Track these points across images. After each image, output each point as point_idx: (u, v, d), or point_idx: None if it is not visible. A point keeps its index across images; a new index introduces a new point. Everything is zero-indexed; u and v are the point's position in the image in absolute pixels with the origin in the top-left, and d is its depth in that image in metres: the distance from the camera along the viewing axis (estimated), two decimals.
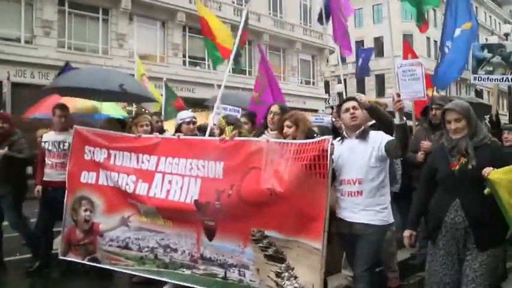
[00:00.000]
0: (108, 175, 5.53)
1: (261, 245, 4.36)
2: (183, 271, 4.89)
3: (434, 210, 3.98)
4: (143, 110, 12.48)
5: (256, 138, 4.96)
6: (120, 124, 7.07)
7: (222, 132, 5.78)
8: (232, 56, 7.30)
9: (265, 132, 5.54)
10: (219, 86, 7.64)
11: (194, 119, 6.10)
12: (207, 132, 6.36)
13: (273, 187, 4.21)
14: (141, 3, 23.62)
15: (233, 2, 28.73)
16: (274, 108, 5.54)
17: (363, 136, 4.24)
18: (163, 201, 5.02)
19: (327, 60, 38.14)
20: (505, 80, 7.09)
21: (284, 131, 4.82)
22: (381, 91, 44.57)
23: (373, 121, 5.01)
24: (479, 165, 3.63)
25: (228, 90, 12.94)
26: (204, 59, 27.34)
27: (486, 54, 7.12)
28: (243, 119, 6.50)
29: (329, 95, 38.61)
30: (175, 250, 4.97)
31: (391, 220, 4.25)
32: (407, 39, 43.33)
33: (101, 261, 5.52)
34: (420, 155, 5.88)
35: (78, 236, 5.70)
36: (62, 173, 6.01)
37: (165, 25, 26.56)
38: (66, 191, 5.79)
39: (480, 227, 3.68)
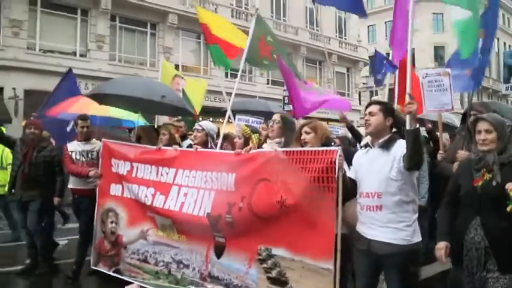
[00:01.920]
0: (130, 187, 5.47)
1: (265, 265, 4.11)
2: None
3: (456, 229, 3.57)
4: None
5: (266, 149, 4.64)
6: (155, 132, 6.98)
7: (247, 140, 5.60)
8: (244, 56, 6.71)
9: (266, 141, 5.18)
10: (228, 94, 7.43)
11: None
12: (219, 143, 6.04)
13: (283, 199, 3.95)
14: (187, 18, 23.62)
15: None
16: (276, 116, 5.08)
17: (387, 145, 3.67)
18: (178, 214, 4.89)
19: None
20: None
21: (302, 137, 4.41)
22: None
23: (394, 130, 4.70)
24: (503, 183, 3.16)
25: (245, 99, 12.80)
26: (244, 71, 27.49)
27: None
28: (262, 126, 6.15)
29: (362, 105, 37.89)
30: (187, 266, 4.83)
31: (416, 239, 3.59)
32: (439, 51, 42.38)
33: (122, 273, 5.48)
34: (456, 166, 4.84)
35: (106, 247, 5.72)
36: (92, 181, 6.01)
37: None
38: (97, 203, 5.80)
39: (500, 248, 3.28)
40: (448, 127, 7.42)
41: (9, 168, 7.79)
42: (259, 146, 5.23)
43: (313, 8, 32.58)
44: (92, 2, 21.63)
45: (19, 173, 6.34)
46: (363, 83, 39.47)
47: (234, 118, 7.72)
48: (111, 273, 5.62)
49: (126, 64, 22.66)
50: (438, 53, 42.91)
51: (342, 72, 35.19)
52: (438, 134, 6.25)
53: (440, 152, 5.67)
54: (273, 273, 4.04)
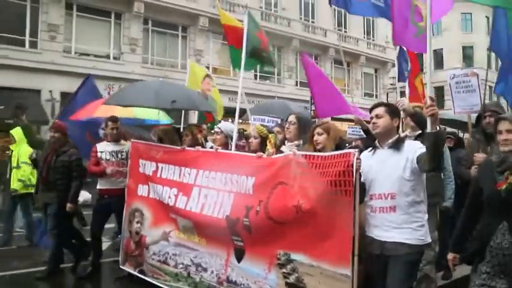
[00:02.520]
0: (155, 188, 5.41)
1: (284, 270, 3.95)
2: None
3: (478, 234, 3.35)
4: None
5: (285, 153, 4.43)
6: (177, 133, 6.90)
7: (263, 140, 5.41)
8: (243, 57, 6.38)
9: (285, 143, 4.97)
10: (250, 95, 7.29)
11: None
12: (233, 143, 5.80)
13: (299, 204, 3.79)
14: (217, 21, 23.57)
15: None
16: (291, 117, 4.88)
17: (397, 146, 3.59)
18: (198, 216, 4.79)
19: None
20: None
21: (314, 138, 4.33)
22: (440, 103, 42.72)
23: (419, 131, 4.48)
24: None
25: (267, 101, 12.60)
26: (273, 73, 27.39)
27: None
28: (276, 129, 5.96)
29: None
30: (206, 270, 4.72)
31: (429, 239, 3.57)
32: (467, 51, 41.38)
33: (146, 274, 5.42)
34: (474, 170, 4.74)
35: (132, 247, 5.67)
36: (122, 181, 6.04)
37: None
38: (125, 203, 5.78)
39: None
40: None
41: (22, 166, 7.91)
42: (277, 148, 5.06)
43: (341, 10, 32.31)
44: (126, 5, 21.91)
45: (40, 176, 6.41)
46: (391, 84, 38.90)
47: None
48: (136, 273, 5.58)
49: (158, 66, 22.81)
50: (467, 54, 41.97)
51: (370, 73, 34.76)
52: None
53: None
54: (291, 279, 3.89)
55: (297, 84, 28.99)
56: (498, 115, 3.59)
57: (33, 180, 7.54)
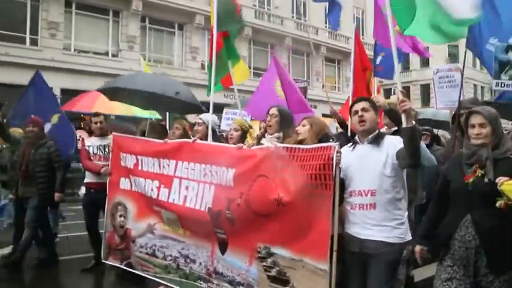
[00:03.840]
0: (137, 181, 5.21)
1: (265, 264, 3.79)
2: (201, 284, 4.46)
3: (443, 226, 3.22)
4: None
5: (265, 145, 4.20)
6: (163, 129, 6.75)
7: (244, 133, 5.15)
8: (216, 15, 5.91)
9: (265, 135, 4.73)
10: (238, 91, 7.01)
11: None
12: (209, 136, 5.49)
13: (280, 197, 3.61)
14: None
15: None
16: (272, 110, 4.61)
17: (377, 141, 3.41)
18: (181, 208, 4.62)
19: None
20: None
21: (297, 127, 4.14)
22: (426, 101, 42.76)
23: (395, 128, 4.29)
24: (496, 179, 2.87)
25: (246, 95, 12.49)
26: (266, 70, 27.23)
27: (511, 56, 5.46)
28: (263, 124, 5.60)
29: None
30: (194, 261, 4.55)
31: (408, 238, 3.36)
32: (453, 49, 41.41)
33: (134, 267, 5.24)
34: None
35: (116, 240, 5.47)
36: (106, 175, 5.81)
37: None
38: (107, 197, 5.59)
39: (493, 248, 2.94)
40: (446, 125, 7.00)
41: None
42: (258, 141, 4.83)
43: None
44: (124, 3, 21.66)
45: (18, 170, 6.27)
46: (379, 81, 38.89)
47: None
48: (122, 267, 5.40)
49: (155, 64, 22.62)
50: (452, 52, 42.00)
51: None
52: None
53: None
54: (273, 272, 3.73)
55: None
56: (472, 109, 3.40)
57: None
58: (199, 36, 24.54)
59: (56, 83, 18.70)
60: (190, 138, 5.45)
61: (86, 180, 6.26)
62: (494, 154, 3.02)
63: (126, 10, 21.80)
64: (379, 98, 4.47)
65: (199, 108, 6.46)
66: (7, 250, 6.60)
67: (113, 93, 6.33)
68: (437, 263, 3.28)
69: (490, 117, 3.11)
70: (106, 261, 5.64)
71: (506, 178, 2.79)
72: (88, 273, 6.03)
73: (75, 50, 20.46)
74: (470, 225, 3.01)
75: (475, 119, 3.13)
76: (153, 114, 7.73)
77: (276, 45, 27.75)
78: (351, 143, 3.64)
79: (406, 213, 3.42)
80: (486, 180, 2.94)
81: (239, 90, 6.95)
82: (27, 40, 19.30)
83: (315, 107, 27.72)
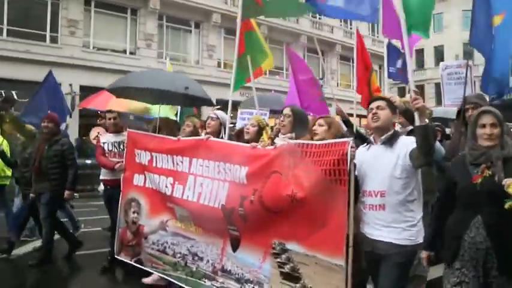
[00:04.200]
0: (152, 177, 5.17)
1: (279, 260, 3.72)
2: (204, 282, 4.41)
3: (451, 228, 3.10)
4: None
5: (280, 143, 4.14)
6: (176, 125, 6.71)
7: (261, 130, 5.10)
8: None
9: (278, 135, 4.63)
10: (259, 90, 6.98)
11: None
12: (226, 133, 5.48)
13: (294, 193, 3.55)
14: (230, 18, 23.47)
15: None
16: (286, 110, 4.51)
17: (390, 142, 3.34)
18: (195, 205, 4.55)
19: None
20: None
21: (314, 127, 4.02)
22: (440, 100, 42.03)
23: (411, 127, 4.18)
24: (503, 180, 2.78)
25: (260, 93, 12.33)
26: (282, 68, 27.13)
27: None
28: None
29: None
30: (202, 259, 4.50)
31: (421, 240, 3.28)
32: (468, 48, 40.70)
33: (144, 264, 5.20)
34: None
35: (129, 237, 5.43)
36: (121, 172, 5.77)
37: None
38: (121, 193, 5.55)
39: (504, 249, 2.84)
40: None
41: None
42: (272, 140, 4.75)
43: None
44: (142, 1, 21.68)
45: (32, 166, 6.26)
46: (394, 82, 38.43)
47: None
48: (132, 263, 5.36)
49: (172, 61, 22.62)
50: (467, 50, 41.34)
51: (374, 69, 34.34)
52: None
53: None
54: (286, 268, 3.67)
55: None
56: (480, 107, 3.29)
57: (8, 172, 7.31)
58: (215, 34, 24.51)
59: (75, 79, 18.95)
60: (200, 135, 5.43)
61: (101, 177, 6.26)
62: (503, 154, 2.92)
63: (143, 8, 21.84)
64: (395, 98, 4.39)
65: (209, 101, 6.40)
66: (38, 243, 6.67)
67: (121, 91, 6.28)
68: (445, 266, 3.18)
69: (500, 117, 3.01)
70: (118, 257, 5.62)
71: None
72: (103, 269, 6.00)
73: (93, 48, 20.55)
74: (481, 226, 2.91)
75: (487, 119, 3.02)
76: (167, 113, 7.69)
77: (291, 43, 27.59)
78: (366, 143, 3.58)
79: (420, 215, 3.32)
80: (496, 179, 2.83)
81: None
82: (47, 38, 19.42)
83: (330, 105, 27.51)
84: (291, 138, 4.25)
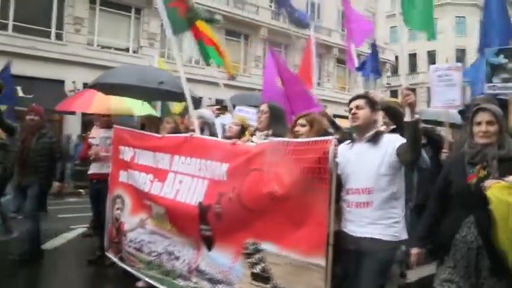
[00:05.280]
0: (133, 174, 5.03)
1: (251, 260, 3.58)
2: (179, 282, 4.24)
3: (444, 227, 3.01)
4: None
5: (261, 141, 4.06)
6: (160, 122, 6.50)
7: (243, 129, 5.00)
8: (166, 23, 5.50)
9: (255, 133, 4.50)
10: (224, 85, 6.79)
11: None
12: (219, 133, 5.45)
13: (273, 191, 3.42)
14: (229, 19, 23.34)
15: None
16: (263, 106, 4.36)
17: (375, 140, 3.25)
18: (171, 202, 4.40)
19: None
20: None
21: (296, 129, 3.88)
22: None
23: (393, 126, 4.05)
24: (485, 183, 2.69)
25: (245, 92, 12.10)
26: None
27: (502, 60, 5.39)
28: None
29: None
30: (178, 258, 4.34)
31: (404, 236, 3.20)
32: (459, 54, 40.76)
33: (125, 261, 5.05)
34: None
35: (114, 233, 5.30)
36: (109, 165, 5.66)
37: (249, 39, 26.26)
38: (109, 190, 5.44)
39: (495, 249, 2.71)
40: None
41: None
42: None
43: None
44: (146, 1, 21.45)
45: (16, 158, 6.05)
46: (387, 83, 38.41)
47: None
48: (116, 260, 5.21)
49: (173, 61, 22.40)
50: (459, 56, 41.38)
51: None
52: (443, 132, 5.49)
53: (444, 150, 5.03)
54: (257, 269, 3.52)
55: None
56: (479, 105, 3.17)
57: None
58: (220, 35, 24.31)
59: (78, 77, 18.79)
60: (181, 132, 5.29)
61: (88, 172, 6.19)
62: (499, 154, 2.80)
63: (147, 8, 21.60)
64: (376, 93, 4.25)
65: (196, 99, 6.22)
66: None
67: (107, 89, 6.16)
68: (438, 263, 3.11)
69: (499, 114, 2.91)
70: (107, 254, 5.48)
71: (495, 181, 2.61)
72: (91, 266, 5.85)
73: (97, 46, 20.35)
74: (472, 226, 2.82)
75: (482, 116, 2.92)
76: (149, 111, 7.57)
77: (289, 45, 27.31)
78: (349, 141, 3.47)
79: (403, 212, 3.27)
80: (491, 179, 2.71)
81: (243, 88, 6.85)
82: (53, 35, 19.20)
83: (326, 107, 27.40)
84: (267, 135, 4.13)
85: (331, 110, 25.62)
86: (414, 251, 3.18)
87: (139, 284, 4.83)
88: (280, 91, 6.17)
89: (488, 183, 2.61)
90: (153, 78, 5.77)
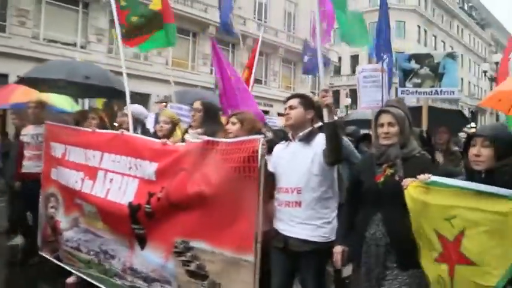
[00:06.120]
0: (64, 172, 4.80)
1: (183, 258, 3.53)
2: (116, 280, 4.14)
3: (356, 226, 3.06)
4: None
5: (189, 141, 4.00)
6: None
7: (174, 126, 4.83)
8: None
9: (188, 131, 4.42)
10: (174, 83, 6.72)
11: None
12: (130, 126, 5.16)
13: (201, 190, 3.40)
14: (178, 16, 22.94)
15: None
16: (196, 104, 4.31)
17: (307, 139, 3.23)
18: (102, 201, 4.25)
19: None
20: (434, 93, 5.51)
21: (227, 126, 3.82)
22: (354, 105, 43.04)
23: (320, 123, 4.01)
24: (405, 178, 2.78)
25: (189, 88, 11.92)
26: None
27: (414, 65, 5.64)
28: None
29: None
30: (113, 257, 4.22)
31: (333, 237, 3.17)
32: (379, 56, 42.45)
33: (62, 260, 4.85)
34: None
35: (48, 232, 5.07)
36: (39, 165, 5.33)
37: (197, 36, 26.05)
38: (41, 188, 5.16)
39: (401, 245, 2.80)
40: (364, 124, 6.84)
41: None
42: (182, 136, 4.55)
43: (291, 12, 32.33)
44: None
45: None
46: (330, 83, 39.41)
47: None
48: (52, 259, 5.01)
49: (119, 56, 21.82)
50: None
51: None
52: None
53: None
54: (192, 267, 3.48)
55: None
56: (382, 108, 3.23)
57: None
58: None
59: (24, 71, 17.63)
60: (107, 127, 5.12)
61: (22, 171, 5.66)
62: (402, 153, 2.91)
63: (95, 3, 20.92)
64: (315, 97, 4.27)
65: (116, 91, 6.02)
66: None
67: (34, 84, 5.95)
68: (354, 265, 3.18)
69: (399, 116, 2.98)
70: (41, 253, 5.23)
71: (411, 180, 2.70)
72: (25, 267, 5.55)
73: (44, 39, 19.50)
74: (380, 223, 2.88)
75: (384, 118, 3.01)
76: (62, 105, 7.40)
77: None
78: (285, 141, 3.46)
79: (335, 212, 3.25)
80: (397, 178, 2.82)
81: (192, 85, 6.82)
82: None
83: (271, 105, 27.93)
84: (200, 133, 4.09)
85: (276, 108, 26.18)
86: (339, 249, 3.14)
87: (70, 279, 4.73)
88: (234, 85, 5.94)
89: (406, 182, 2.71)
90: (79, 73, 5.62)
